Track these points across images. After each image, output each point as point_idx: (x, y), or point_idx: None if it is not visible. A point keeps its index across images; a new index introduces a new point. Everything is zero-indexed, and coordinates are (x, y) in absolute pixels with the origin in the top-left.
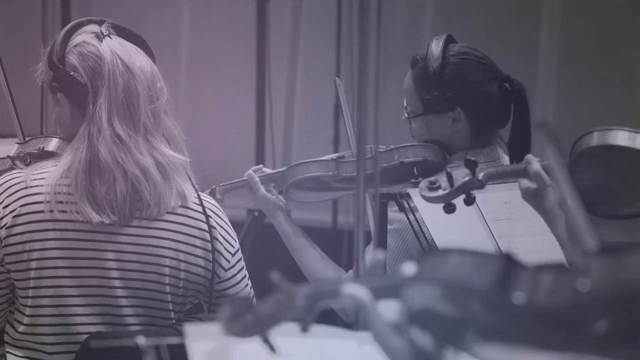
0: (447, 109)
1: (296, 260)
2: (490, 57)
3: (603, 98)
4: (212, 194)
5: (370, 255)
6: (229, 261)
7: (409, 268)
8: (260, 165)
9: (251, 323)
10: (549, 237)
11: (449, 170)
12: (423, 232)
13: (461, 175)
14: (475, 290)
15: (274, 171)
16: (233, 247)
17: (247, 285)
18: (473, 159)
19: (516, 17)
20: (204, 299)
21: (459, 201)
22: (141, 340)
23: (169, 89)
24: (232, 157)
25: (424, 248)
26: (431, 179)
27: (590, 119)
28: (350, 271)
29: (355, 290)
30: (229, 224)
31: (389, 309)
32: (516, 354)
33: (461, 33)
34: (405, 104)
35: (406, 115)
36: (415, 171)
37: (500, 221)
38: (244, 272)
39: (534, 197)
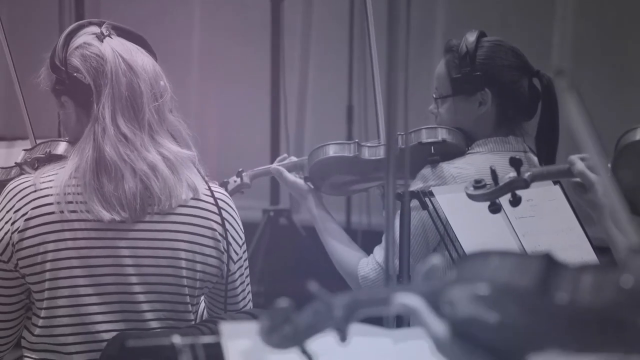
0: (476, 90)
1: (324, 244)
2: None
3: (616, 98)
4: (239, 176)
5: (426, 260)
6: (237, 253)
7: (435, 259)
8: (285, 155)
9: (289, 334)
10: (571, 234)
11: (493, 167)
12: (436, 211)
13: (506, 173)
14: (517, 291)
15: (300, 159)
16: (241, 238)
17: (247, 276)
18: (518, 157)
19: (528, 18)
20: (213, 291)
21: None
22: (177, 339)
23: (181, 89)
24: (246, 157)
25: (438, 228)
26: (477, 177)
27: (604, 119)
28: (371, 255)
29: (408, 299)
30: (238, 215)
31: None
32: (562, 358)
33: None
34: (434, 91)
35: (434, 99)
36: (432, 150)
37: (523, 219)
38: (247, 264)
39: (582, 194)
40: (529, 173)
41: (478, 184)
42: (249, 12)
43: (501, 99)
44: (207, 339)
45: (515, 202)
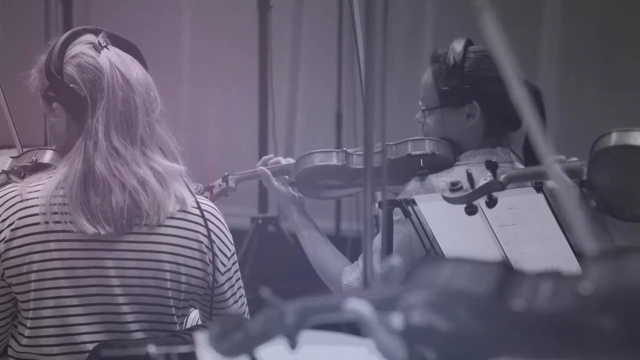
0: (464, 102)
1: (306, 253)
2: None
3: (603, 101)
4: (225, 180)
5: (385, 261)
6: (225, 265)
7: (394, 260)
8: (271, 155)
9: (240, 341)
10: (553, 242)
11: (469, 171)
12: (422, 225)
13: (482, 176)
14: (472, 298)
15: (287, 163)
16: (230, 250)
17: (240, 287)
18: (494, 160)
19: (517, 20)
20: (202, 302)
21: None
22: (152, 349)
23: (171, 96)
24: (235, 162)
25: (424, 243)
26: (453, 180)
27: (590, 122)
28: (356, 263)
29: (357, 306)
30: (227, 227)
31: (395, 321)
32: None
33: (462, 37)
34: (420, 101)
35: (421, 109)
36: (421, 162)
37: (505, 227)
38: (239, 274)
39: (558, 198)
40: (504, 175)
41: (454, 186)
42: (238, 19)
43: (489, 111)
44: (183, 349)
45: (491, 203)
